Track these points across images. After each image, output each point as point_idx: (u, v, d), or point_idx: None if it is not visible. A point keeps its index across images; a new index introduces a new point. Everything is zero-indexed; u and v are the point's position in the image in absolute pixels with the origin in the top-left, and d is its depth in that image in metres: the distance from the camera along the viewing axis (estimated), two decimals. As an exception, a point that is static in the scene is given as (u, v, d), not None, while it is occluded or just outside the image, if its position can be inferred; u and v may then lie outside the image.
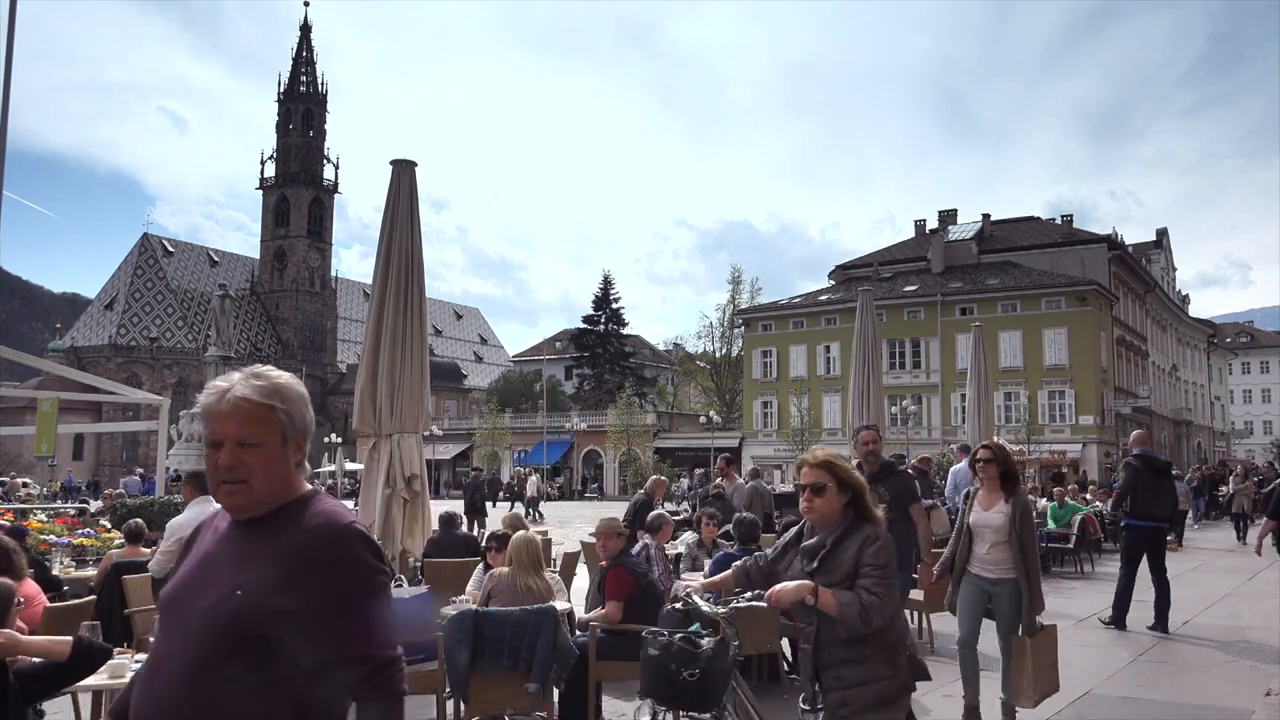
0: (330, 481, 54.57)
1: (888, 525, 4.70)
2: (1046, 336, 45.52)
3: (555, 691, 5.29)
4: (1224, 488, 26.52)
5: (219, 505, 1.93)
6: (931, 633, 8.15)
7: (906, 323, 49.04)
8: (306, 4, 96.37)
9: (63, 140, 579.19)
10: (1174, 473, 24.12)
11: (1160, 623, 8.98)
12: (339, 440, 61.04)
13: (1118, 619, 9.08)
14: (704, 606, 3.86)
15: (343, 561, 1.85)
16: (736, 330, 64.42)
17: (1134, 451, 9.50)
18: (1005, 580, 5.36)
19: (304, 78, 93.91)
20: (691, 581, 6.79)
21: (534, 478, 40.10)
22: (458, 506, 16.03)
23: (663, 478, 12.56)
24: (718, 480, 12.70)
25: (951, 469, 12.47)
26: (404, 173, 8.08)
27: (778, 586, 3.32)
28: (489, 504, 26.58)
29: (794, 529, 3.64)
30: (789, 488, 28.20)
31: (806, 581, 3.30)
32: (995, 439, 6.69)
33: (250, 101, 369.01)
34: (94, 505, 15.13)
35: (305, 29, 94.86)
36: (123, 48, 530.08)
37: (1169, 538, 9.94)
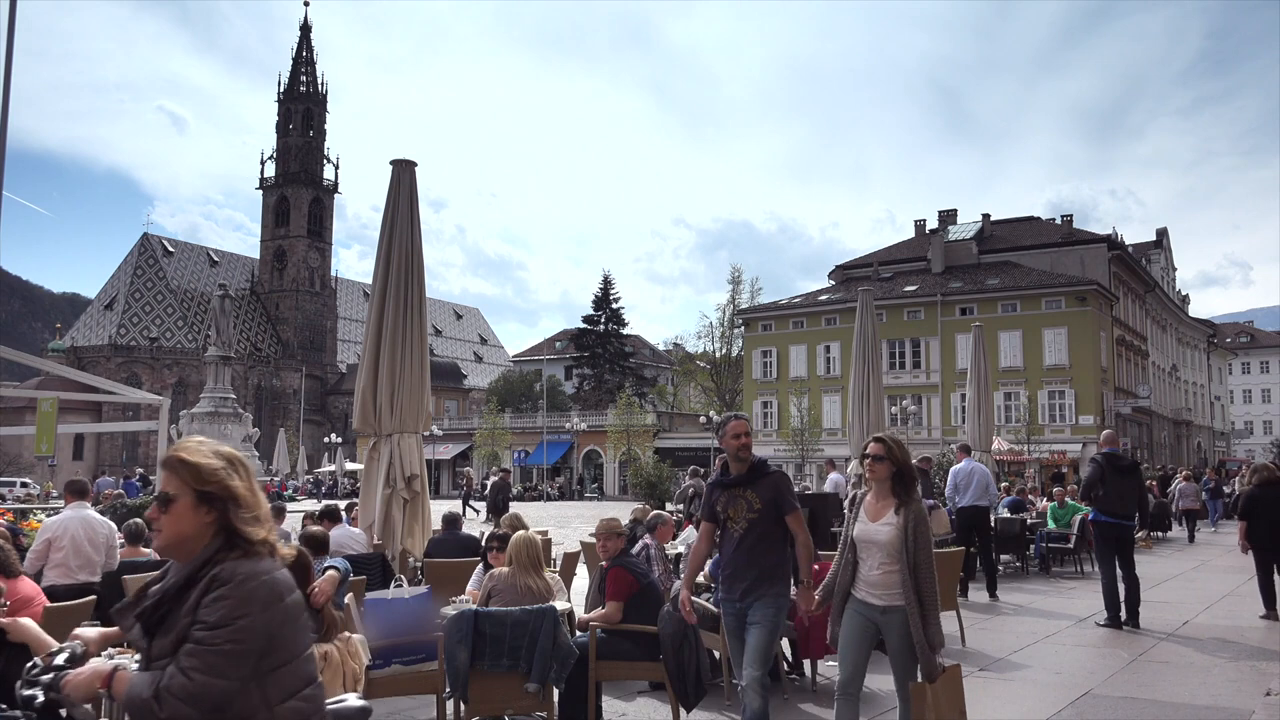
0: (330, 481, 54.59)
1: (757, 538, 4.63)
2: (1046, 336, 45.54)
3: (555, 691, 5.29)
4: (1225, 488, 26.52)
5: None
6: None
7: (906, 323, 49.05)
8: (306, 4, 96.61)
9: (58, 139, 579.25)
10: (1185, 474, 24.28)
11: (1132, 618, 9.07)
12: (339, 440, 61.13)
13: (1112, 618, 9.12)
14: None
15: None
16: (736, 330, 64.41)
17: (1102, 450, 9.67)
18: (896, 609, 4.34)
19: (304, 77, 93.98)
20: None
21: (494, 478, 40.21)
22: (458, 507, 16.05)
23: (664, 514, 9.00)
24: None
25: (951, 469, 12.46)
26: (404, 173, 8.09)
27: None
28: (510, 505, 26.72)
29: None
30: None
31: (103, 665, 2.25)
32: (885, 432, 5.38)
33: (248, 100, 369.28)
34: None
35: (305, 29, 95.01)
36: (117, 45, 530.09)
37: (1139, 535, 10.05)
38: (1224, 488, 26.83)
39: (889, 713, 6.16)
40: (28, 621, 3.40)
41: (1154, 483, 22.50)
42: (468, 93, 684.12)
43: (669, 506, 26.46)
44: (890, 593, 4.33)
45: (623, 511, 12.89)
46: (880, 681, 6.93)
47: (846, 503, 4.84)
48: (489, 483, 29.33)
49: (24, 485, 39.16)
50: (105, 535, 7.23)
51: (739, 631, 4.65)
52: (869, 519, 4.44)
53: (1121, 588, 9.19)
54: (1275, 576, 10.08)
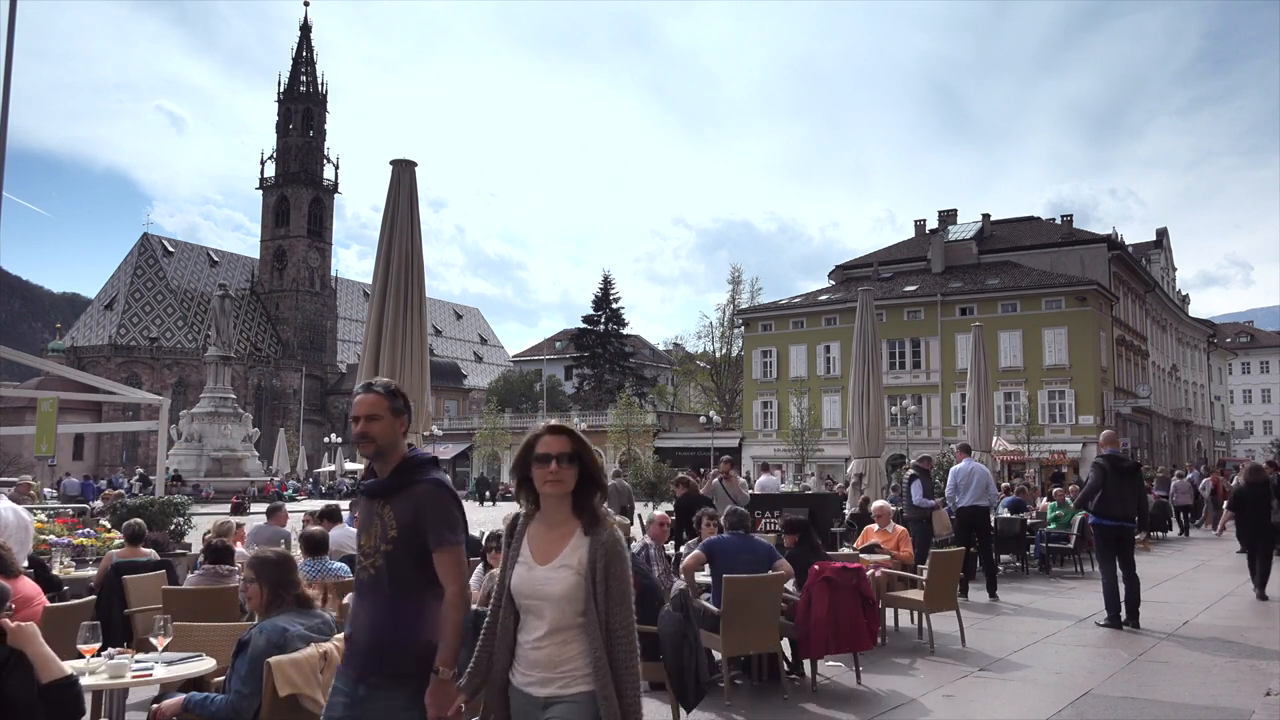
0: (330, 482, 54.57)
1: (386, 586, 2.93)
2: (1046, 336, 45.53)
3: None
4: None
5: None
6: (931, 633, 8.16)
7: (906, 323, 49.04)
8: (306, 4, 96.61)
9: (58, 139, 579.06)
10: (1186, 476, 24.54)
11: (1132, 618, 9.10)
12: (339, 440, 61.11)
13: (1113, 618, 9.13)
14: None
15: None
16: (736, 330, 64.41)
17: (1103, 452, 9.68)
18: (568, 699, 2.66)
19: (304, 77, 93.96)
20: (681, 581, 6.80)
21: None
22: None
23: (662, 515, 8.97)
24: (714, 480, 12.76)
25: (952, 469, 12.46)
26: (404, 173, 8.09)
27: None
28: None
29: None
30: (789, 487, 28.31)
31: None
32: (568, 421, 3.50)
33: (247, 100, 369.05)
34: (95, 505, 15.13)
35: (305, 29, 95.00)
36: (116, 45, 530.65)
37: (1138, 536, 10.19)
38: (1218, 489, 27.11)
39: (889, 712, 6.16)
40: (32, 628, 3.36)
41: (1151, 482, 22.81)
42: (468, 93, 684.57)
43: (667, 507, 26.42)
44: (566, 673, 2.66)
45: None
46: (879, 681, 6.94)
47: (505, 529, 2.92)
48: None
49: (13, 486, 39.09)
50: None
51: None
52: (535, 560, 2.72)
53: (1122, 588, 9.20)
54: (1267, 562, 11.27)
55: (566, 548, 2.70)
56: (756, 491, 16.84)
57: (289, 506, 12.48)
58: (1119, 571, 9.27)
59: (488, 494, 44.24)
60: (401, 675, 2.92)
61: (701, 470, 41.29)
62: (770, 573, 6.69)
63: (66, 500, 26.80)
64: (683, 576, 6.98)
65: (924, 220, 60.50)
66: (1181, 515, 22.43)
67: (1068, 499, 15.42)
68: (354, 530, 8.64)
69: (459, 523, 2.99)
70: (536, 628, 2.71)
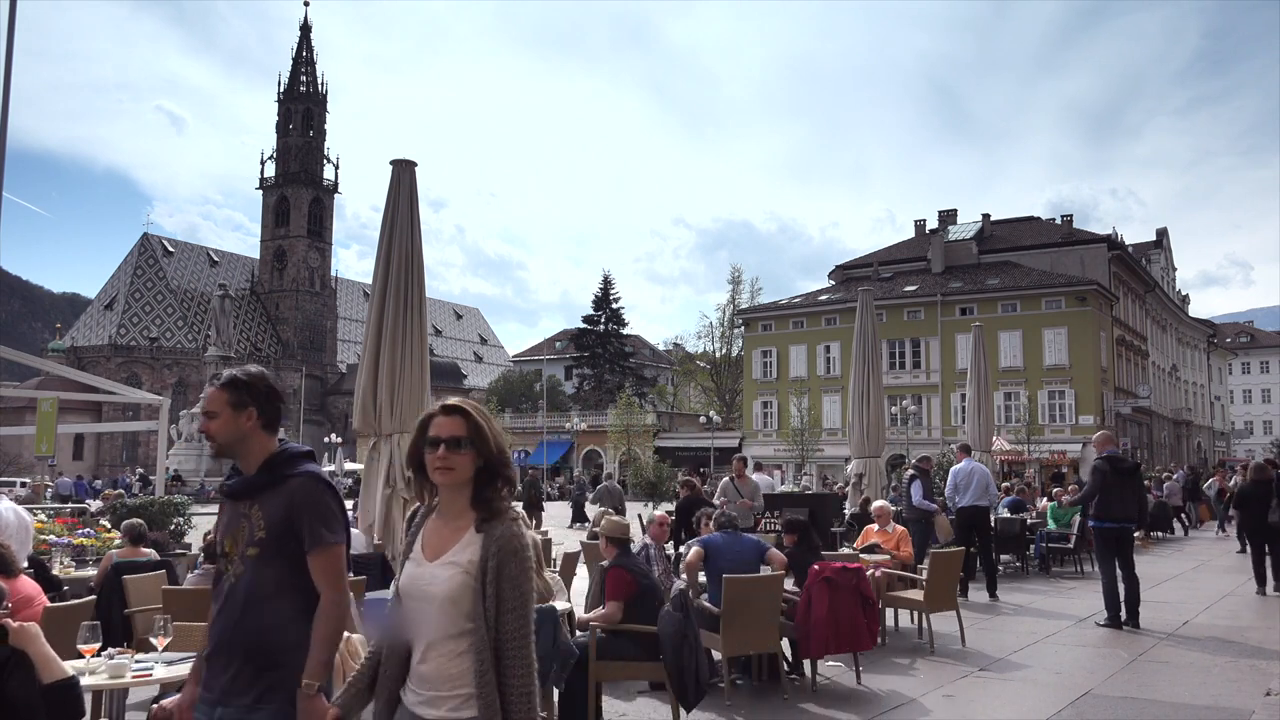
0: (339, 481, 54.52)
1: (255, 592, 2.59)
2: (1046, 336, 45.53)
3: (555, 692, 5.29)
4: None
5: None
6: (931, 633, 8.16)
7: (906, 323, 49.05)
8: (306, 4, 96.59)
9: (58, 139, 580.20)
10: (1174, 476, 24.77)
11: (1132, 618, 9.11)
12: (339, 440, 61.10)
13: (1113, 619, 9.13)
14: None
15: None
16: (736, 330, 64.42)
17: (1101, 454, 9.66)
18: None
19: (304, 77, 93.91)
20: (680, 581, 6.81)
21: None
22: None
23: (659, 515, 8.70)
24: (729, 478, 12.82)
25: (952, 469, 12.46)
26: (404, 173, 8.09)
27: None
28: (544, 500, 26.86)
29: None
30: (789, 487, 28.31)
31: None
32: (464, 401, 2.59)
33: (246, 100, 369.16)
34: (94, 505, 15.13)
35: (305, 29, 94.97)
36: (115, 45, 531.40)
37: (1136, 535, 10.26)
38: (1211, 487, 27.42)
39: (889, 712, 6.16)
40: (34, 629, 3.35)
41: (1150, 483, 23.04)
42: (468, 93, 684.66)
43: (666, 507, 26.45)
44: (451, 696, 2.30)
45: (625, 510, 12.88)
46: (879, 681, 6.94)
47: (406, 522, 2.72)
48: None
49: (24, 485, 39.15)
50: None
51: None
52: (425, 556, 2.42)
53: (1122, 588, 9.20)
54: (1267, 558, 11.70)
55: (458, 544, 2.38)
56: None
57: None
58: (1119, 572, 9.28)
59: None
60: (276, 693, 2.54)
61: (702, 469, 41.33)
62: (765, 568, 6.70)
63: (59, 500, 26.78)
64: (683, 576, 6.99)
65: (924, 220, 60.58)
66: (1179, 515, 22.80)
67: (1066, 498, 15.42)
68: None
69: (337, 520, 2.69)
70: (423, 636, 2.37)
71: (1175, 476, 26.08)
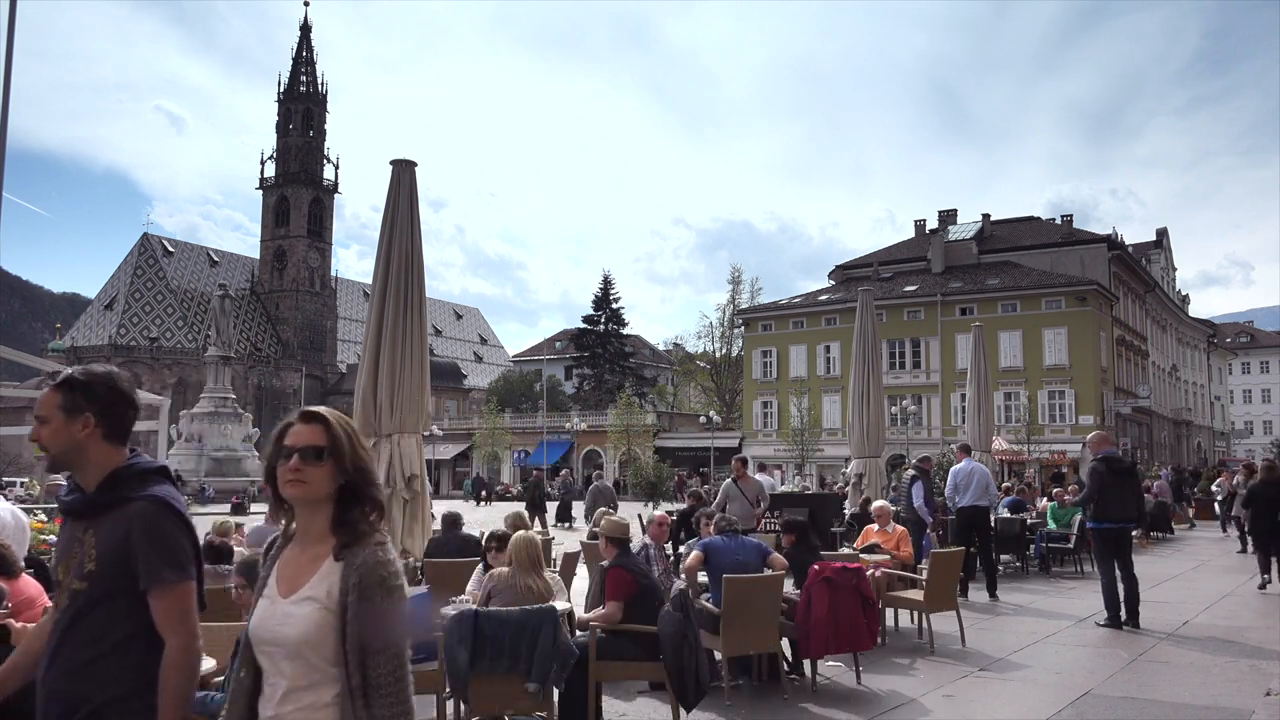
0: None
1: (82, 629, 2.22)
2: (1046, 336, 45.54)
3: (555, 692, 5.29)
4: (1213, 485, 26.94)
5: None
6: (931, 633, 8.16)
7: (906, 323, 49.05)
8: (306, 4, 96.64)
9: (58, 139, 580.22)
10: (1160, 476, 24.88)
11: (1131, 618, 9.12)
12: (339, 440, 61.04)
13: (1113, 619, 9.13)
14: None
15: None
16: (736, 330, 64.45)
17: (1098, 454, 9.65)
18: None
19: (304, 77, 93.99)
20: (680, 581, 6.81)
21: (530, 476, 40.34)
22: (457, 507, 16.08)
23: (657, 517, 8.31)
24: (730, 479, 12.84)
25: (951, 469, 12.46)
26: (404, 173, 8.09)
27: None
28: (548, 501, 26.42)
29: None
30: (789, 487, 28.31)
31: None
32: (327, 410, 2.25)
33: (246, 100, 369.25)
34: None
35: (305, 29, 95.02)
36: (115, 45, 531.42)
37: (1135, 534, 10.31)
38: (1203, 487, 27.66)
39: (889, 712, 6.16)
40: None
41: (1151, 484, 23.09)
42: (468, 93, 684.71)
43: (666, 507, 26.47)
44: None
45: (622, 510, 12.85)
46: (879, 681, 6.94)
47: (262, 553, 2.32)
48: (529, 480, 29.44)
49: (23, 485, 39.16)
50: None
51: None
52: (279, 591, 2.07)
53: (1121, 588, 9.21)
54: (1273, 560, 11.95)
55: (315, 575, 2.03)
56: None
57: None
58: (1118, 572, 9.29)
59: (483, 494, 44.36)
60: None
61: (702, 470, 41.18)
62: (767, 571, 6.71)
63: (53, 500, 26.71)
64: (684, 577, 6.99)
65: (924, 220, 60.58)
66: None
67: (1067, 498, 15.43)
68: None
69: (183, 553, 2.25)
70: (276, 686, 2.01)
71: (1163, 474, 26.15)
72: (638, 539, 8.18)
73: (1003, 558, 13.82)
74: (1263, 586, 11.85)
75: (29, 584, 4.94)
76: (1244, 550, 16.31)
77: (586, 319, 73.32)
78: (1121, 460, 9.87)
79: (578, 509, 24.94)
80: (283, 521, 2.15)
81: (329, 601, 1.99)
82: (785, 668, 6.88)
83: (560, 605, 5.31)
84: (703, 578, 7.05)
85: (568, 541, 14.75)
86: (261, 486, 1.83)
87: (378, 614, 1.98)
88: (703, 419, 55.49)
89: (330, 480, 2.06)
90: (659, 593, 5.98)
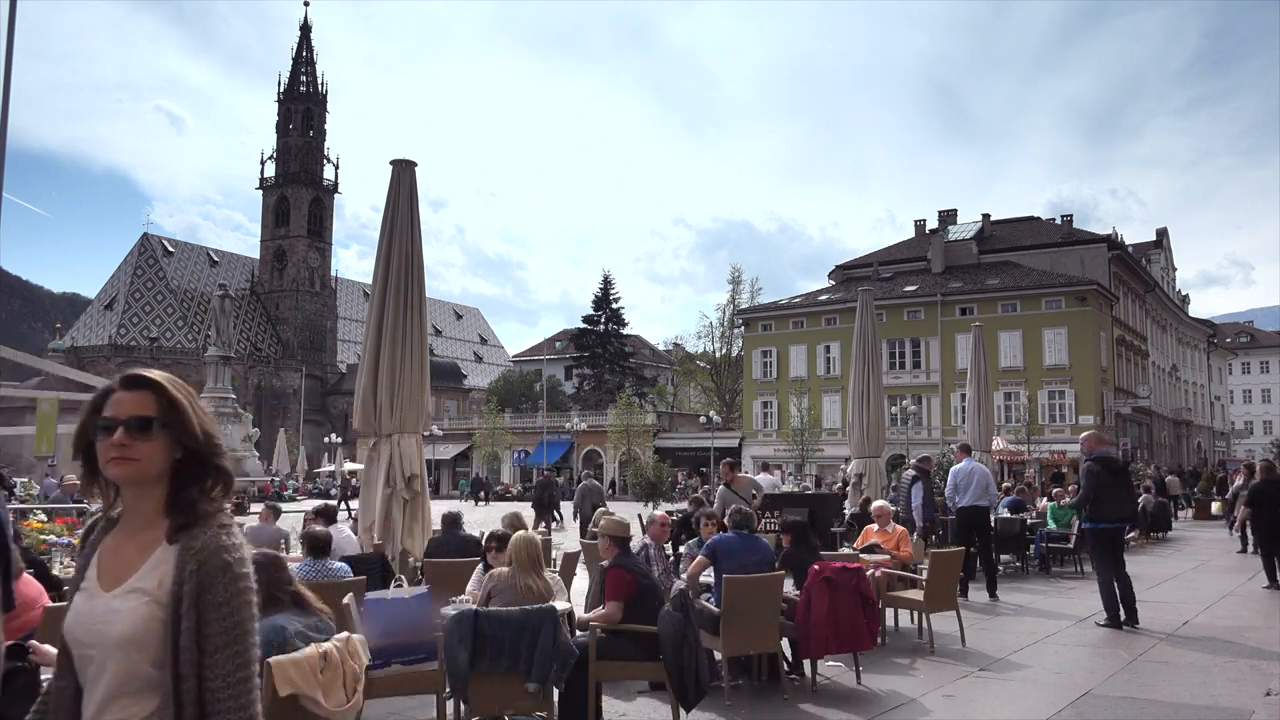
0: (330, 482, 54.59)
1: None
2: (1046, 336, 45.56)
3: (555, 692, 5.29)
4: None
5: None
6: (931, 633, 8.16)
7: (906, 323, 49.06)
8: (306, 4, 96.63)
9: (57, 139, 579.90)
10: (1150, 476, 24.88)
11: (1130, 617, 9.14)
12: (339, 440, 61.12)
13: (1112, 619, 9.14)
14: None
15: None
16: (736, 330, 64.47)
17: (1093, 454, 9.62)
18: None
19: (304, 77, 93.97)
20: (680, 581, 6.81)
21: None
22: (456, 507, 16.01)
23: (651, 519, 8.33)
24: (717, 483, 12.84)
25: (951, 469, 12.46)
26: (404, 173, 8.10)
27: None
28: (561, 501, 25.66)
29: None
30: (789, 487, 28.31)
31: None
32: (155, 371, 1.94)
33: (246, 100, 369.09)
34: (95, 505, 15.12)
35: (305, 29, 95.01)
36: (115, 45, 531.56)
37: (1133, 534, 10.32)
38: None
39: (889, 712, 6.16)
40: (52, 652, 3.33)
41: (1150, 483, 23.07)
42: (468, 93, 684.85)
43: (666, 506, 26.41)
44: None
45: (622, 510, 12.85)
46: (879, 681, 6.94)
47: (80, 540, 2.27)
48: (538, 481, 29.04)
49: (23, 485, 39.15)
50: None
51: None
52: (101, 585, 1.77)
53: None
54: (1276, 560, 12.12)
55: (145, 564, 1.73)
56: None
57: (287, 507, 12.51)
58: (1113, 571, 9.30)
59: (482, 494, 44.45)
60: None
61: (702, 470, 41.12)
62: (770, 572, 6.70)
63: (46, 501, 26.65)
64: (683, 577, 6.99)
65: (924, 220, 60.60)
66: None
67: (1066, 498, 15.43)
68: (349, 531, 8.66)
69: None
70: (95, 693, 1.70)
71: (1149, 472, 26.22)
72: (638, 539, 8.20)
73: (1003, 558, 13.82)
74: (1271, 586, 11.93)
75: (31, 585, 4.93)
76: (1244, 550, 16.31)
77: (586, 319, 73.33)
78: (1115, 460, 9.90)
79: (566, 508, 24.58)
80: (102, 500, 1.83)
81: (160, 593, 1.69)
82: (785, 668, 6.88)
83: (560, 605, 5.31)
84: (705, 578, 7.04)
85: (568, 541, 14.75)
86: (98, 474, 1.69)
87: (220, 606, 1.68)
88: (703, 419, 55.50)
89: (164, 456, 1.75)
90: (659, 593, 5.98)
